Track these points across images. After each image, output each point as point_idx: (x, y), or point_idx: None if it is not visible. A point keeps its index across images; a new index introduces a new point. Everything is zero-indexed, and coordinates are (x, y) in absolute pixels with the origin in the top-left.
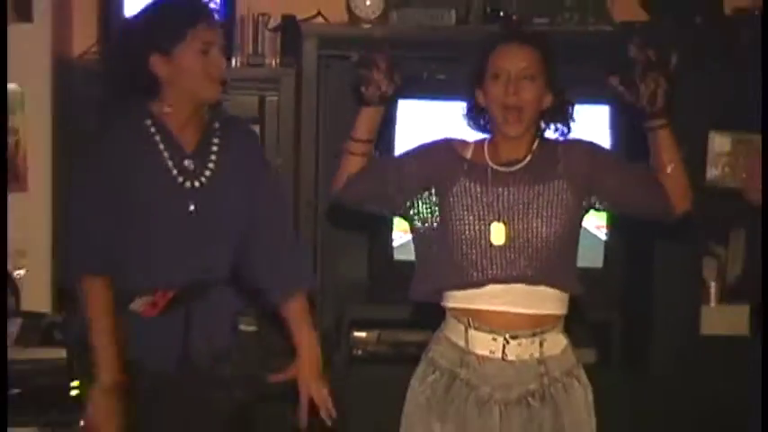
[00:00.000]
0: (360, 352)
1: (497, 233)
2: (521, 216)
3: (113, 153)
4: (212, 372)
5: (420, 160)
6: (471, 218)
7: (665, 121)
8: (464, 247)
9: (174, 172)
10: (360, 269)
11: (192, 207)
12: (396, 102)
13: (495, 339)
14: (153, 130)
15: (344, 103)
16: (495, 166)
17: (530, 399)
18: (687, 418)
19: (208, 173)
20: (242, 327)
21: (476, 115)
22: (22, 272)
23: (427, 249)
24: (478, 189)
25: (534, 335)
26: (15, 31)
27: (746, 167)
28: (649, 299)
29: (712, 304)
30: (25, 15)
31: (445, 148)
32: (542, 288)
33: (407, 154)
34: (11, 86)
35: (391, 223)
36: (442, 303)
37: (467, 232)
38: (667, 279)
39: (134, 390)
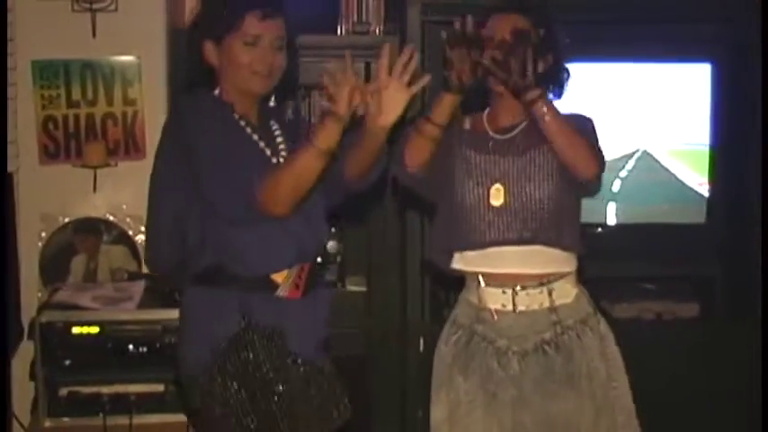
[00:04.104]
0: None
1: (496, 195)
2: (516, 181)
3: (215, 131)
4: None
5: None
6: (471, 183)
7: (537, 94)
8: (464, 210)
9: (262, 145)
10: None
11: None
12: None
13: (504, 293)
14: (227, 109)
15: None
16: (493, 134)
17: (545, 347)
18: None
19: (282, 146)
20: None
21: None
22: (142, 237)
23: (436, 215)
24: (476, 157)
25: (542, 285)
26: (132, 4)
27: None
28: (752, 253)
29: None
30: None
31: None
32: (543, 249)
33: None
34: (129, 58)
35: None
36: (455, 267)
37: (466, 197)
38: None
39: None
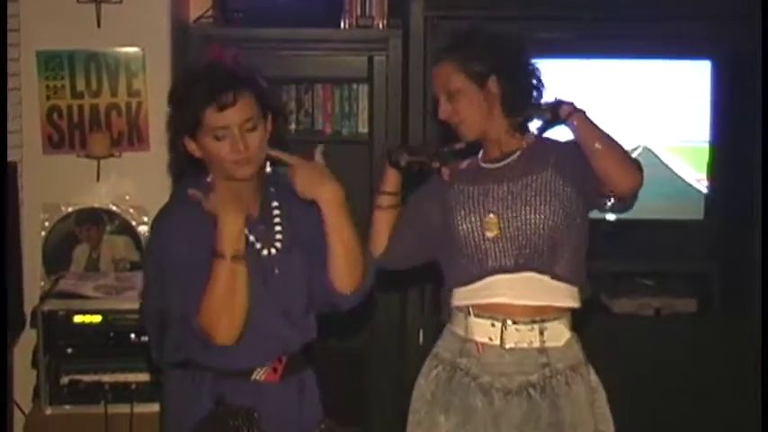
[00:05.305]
0: None
1: (490, 225)
2: (510, 206)
3: (187, 238)
4: None
5: (425, 198)
6: (463, 212)
7: (568, 111)
8: (460, 242)
9: (252, 239)
10: None
11: (276, 271)
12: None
13: (493, 325)
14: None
15: None
16: (484, 165)
17: (530, 389)
18: None
19: (279, 236)
20: None
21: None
22: (144, 227)
23: (440, 259)
24: (470, 188)
25: (534, 322)
26: None
27: None
28: (749, 249)
29: None
30: None
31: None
32: (536, 277)
33: (417, 199)
34: (133, 50)
35: None
36: (454, 304)
37: (459, 227)
38: None
39: None
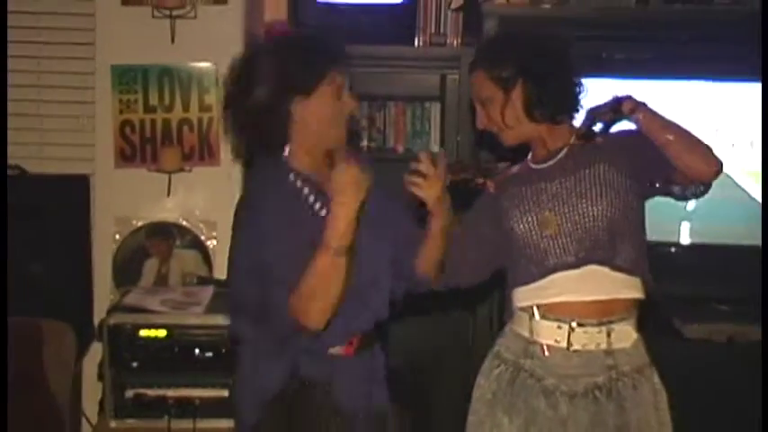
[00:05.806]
0: None
1: (547, 222)
2: (566, 201)
3: (274, 224)
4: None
5: (478, 213)
6: (518, 213)
7: (630, 107)
8: (519, 243)
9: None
10: None
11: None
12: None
13: (560, 327)
14: (299, 184)
15: None
16: (534, 166)
17: (596, 392)
18: None
19: None
20: None
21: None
22: (214, 242)
23: (506, 264)
24: (522, 189)
25: (601, 324)
26: (211, 12)
27: None
28: None
29: None
30: None
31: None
32: (599, 270)
33: (471, 216)
34: (206, 65)
35: None
36: (516, 305)
37: (516, 229)
38: None
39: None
